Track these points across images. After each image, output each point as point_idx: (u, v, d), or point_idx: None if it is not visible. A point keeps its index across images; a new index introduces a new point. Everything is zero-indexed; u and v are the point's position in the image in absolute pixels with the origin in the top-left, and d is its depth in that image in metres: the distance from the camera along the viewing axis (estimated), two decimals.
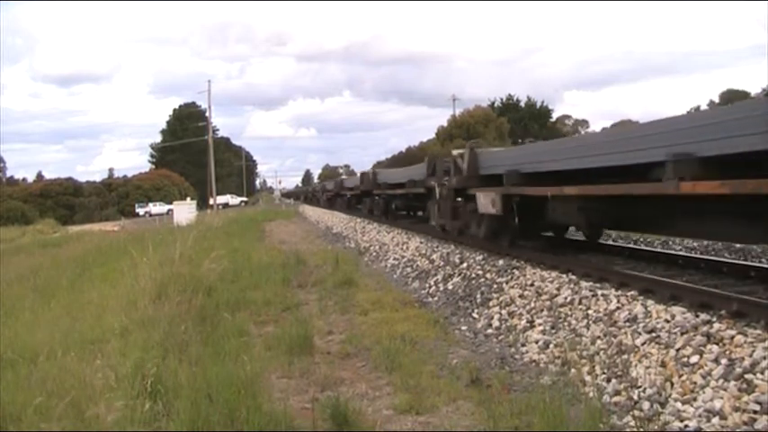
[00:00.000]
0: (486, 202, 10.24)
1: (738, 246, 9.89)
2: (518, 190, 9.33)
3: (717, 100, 60.95)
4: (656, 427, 4.19)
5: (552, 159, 8.61)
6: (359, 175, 28.86)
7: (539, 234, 10.52)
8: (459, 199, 12.00)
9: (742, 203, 5.37)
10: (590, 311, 6.31)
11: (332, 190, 35.60)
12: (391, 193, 19.25)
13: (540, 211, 9.18)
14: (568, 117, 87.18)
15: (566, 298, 6.91)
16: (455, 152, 12.26)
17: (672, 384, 4.50)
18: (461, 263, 10.47)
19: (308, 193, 60.91)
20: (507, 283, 8.41)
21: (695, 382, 4.37)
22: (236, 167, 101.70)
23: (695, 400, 4.22)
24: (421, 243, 13.76)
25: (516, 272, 8.67)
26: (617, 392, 4.78)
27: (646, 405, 4.44)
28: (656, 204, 6.83)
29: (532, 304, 7.28)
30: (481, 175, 10.94)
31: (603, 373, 5.15)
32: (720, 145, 5.23)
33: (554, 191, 8.24)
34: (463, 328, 7.48)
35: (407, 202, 17.98)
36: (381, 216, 20.49)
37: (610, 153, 7.01)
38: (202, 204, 59.97)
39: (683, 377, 4.49)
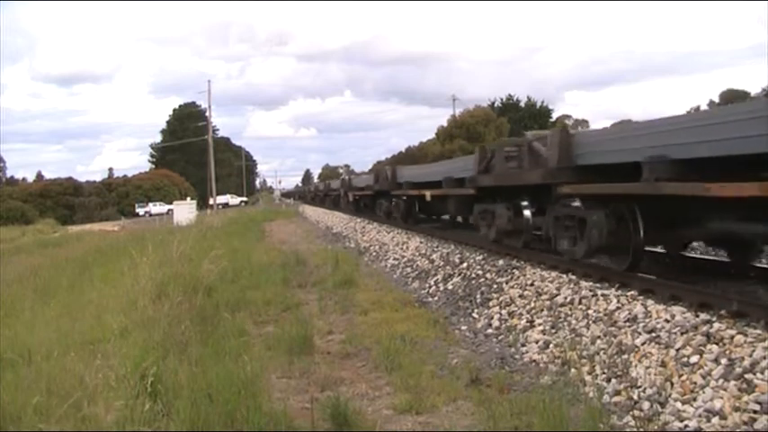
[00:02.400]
0: (351, 197, 26.52)
1: None
2: (353, 192, 26.00)
3: (717, 100, 60.88)
4: (656, 427, 4.19)
5: (359, 182, 26.22)
6: (323, 182, 55.12)
7: (369, 211, 22.82)
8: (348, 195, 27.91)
9: None
10: (590, 311, 6.31)
11: (313, 191, 53.77)
12: (335, 194, 34.60)
13: (365, 200, 23.75)
14: (568, 117, 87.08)
15: (566, 298, 6.91)
16: (346, 177, 36.69)
17: (672, 384, 4.50)
18: (461, 263, 10.47)
19: (306, 192, 63.16)
20: (507, 282, 8.41)
21: (695, 382, 4.37)
22: (236, 167, 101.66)
23: (695, 399, 4.22)
24: (421, 243, 13.76)
25: (516, 272, 8.67)
26: (617, 392, 4.78)
27: (646, 405, 4.45)
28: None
29: (532, 304, 7.28)
30: (350, 186, 27.33)
31: (603, 373, 5.15)
32: None
33: (359, 194, 24.88)
34: (463, 327, 7.48)
35: (337, 199, 32.96)
36: (333, 207, 34.62)
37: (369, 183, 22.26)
38: (202, 204, 59.97)
39: (683, 377, 4.49)
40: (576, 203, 7.90)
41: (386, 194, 18.62)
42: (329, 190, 38.96)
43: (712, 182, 5.31)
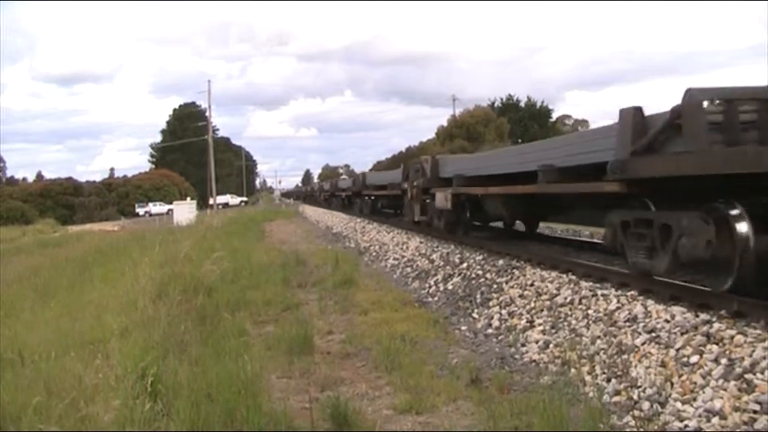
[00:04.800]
0: (323, 197, 42.50)
1: None
2: (324, 193, 43.16)
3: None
4: (656, 427, 4.19)
5: (328, 184, 43.72)
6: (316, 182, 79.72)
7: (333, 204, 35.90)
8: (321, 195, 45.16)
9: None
10: (590, 311, 6.30)
11: (306, 192, 65.52)
12: (319, 194, 46.95)
13: (334, 198, 36.32)
14: (568, 117, 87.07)
15: (566, 298, 6.91)
16: (321, 182, 63.05)
17: (672, 384, 4.50)
18: (461, 263, 10.47)
19: (300, 193, 67.57)
20: (507, 282, 8.41)
21: (695, 382, 4.37)
22: (236, 167, 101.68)
23: (695, 399, 4.22)
24: (421, 243, 13.76)
25: (516, 272, 8.67)
26: (617, 392, 4.78)
27: (646, 405, 4.44)
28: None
29: (532, 304, 7.28)
30: (322, 189, 45.80)
31: (603, 373, 5.15)
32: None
33: (327, 193, 41.67)
34: (463, 327, 7.48)
35: (315, 197, 47.59)
36: (315, 203, 47.07)
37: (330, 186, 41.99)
38: (202, 204, 59.97)
39: (683, 377, 4.49)
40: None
41: (333, 194, 36.18)
42: (313, 191, 56.83)
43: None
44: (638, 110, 6.04)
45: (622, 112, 6.15)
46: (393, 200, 20.01)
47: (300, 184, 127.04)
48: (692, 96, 5.26)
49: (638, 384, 4.72)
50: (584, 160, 7.16)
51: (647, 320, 5.48)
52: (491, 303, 7.99)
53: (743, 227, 5.10)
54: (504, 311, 7.53)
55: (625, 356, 5.14)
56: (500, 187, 10.10)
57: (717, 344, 4.64)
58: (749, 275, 5.20)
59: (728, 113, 5.17)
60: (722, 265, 5.29)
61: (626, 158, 6.01)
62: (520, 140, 56.19)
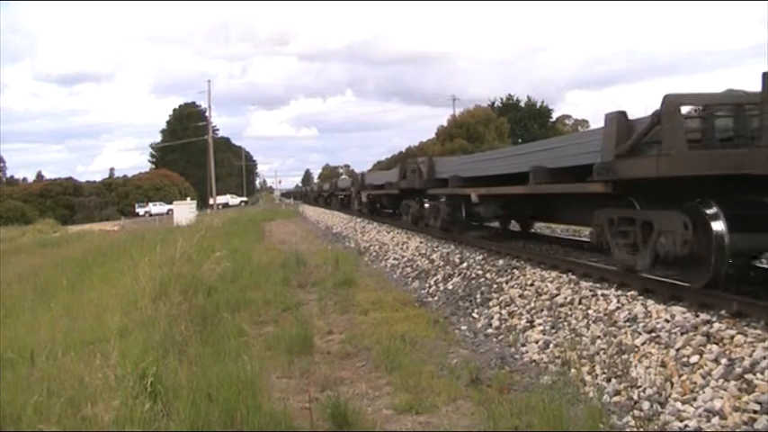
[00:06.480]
0: (312, 196, 52.45)
1: None
2: (314, 193, 52.38)
3: None
4: (656, 427, 4.19)
5: (317, 187, 55.64)
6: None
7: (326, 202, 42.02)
8: (316, 194, 50.95)
9: None
10: (590, 311, 6.30)
11: (305, 192, 68.39)
12: (315, 194, 51.17)
13: (328, 197, 40.63)
14: (568, 117, 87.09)
15: (566, 298, 6.91)
16: (314, 184, 74.36)
17: (672, 384, 4.50)
18: (461, 263, 10.47)
19: (305, 193, 69.34)
20: (507, 282, 8.41)
21: (695, 382, 4.37)
22: (236, 167, 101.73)
23: (695, 399, 4.22)
24: (421, 243, 13.77)
25: (516, 272, 8.67)
26: (617, 392, 4.78)
27: (646, 405, 4.44)
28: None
29: (532, 304, 7.28)
30: (313, 189, 56.92)
31: (603, 373, 5.15)
32: None
33: (324, 192, 45.17)
34: (463, 327, 7.48)
35: (308, 196, 56.68)
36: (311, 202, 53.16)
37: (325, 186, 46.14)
38: (202, 204, 60.00)
39: (683, 377, 4.49)
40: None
41: (319, 194, 44.63)
42: (307, 192, 63.77)
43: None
44: (430, 158, 14.16)
45: (422, 161, 15.10)
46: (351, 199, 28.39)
47: (300, 185, 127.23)
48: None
49: (638, 384, 4.72)
50: (392, 179, 17.54)
51: (647, 320, 5.48)
52: (491, 303, 7.99)
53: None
54: (504, 311, 7.53)
55: (625, 356, 5.14)
56: (377, 190, 21.09)
57: (717, 344, 4.64)
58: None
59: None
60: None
61: (426, 181, 13.96)
62: (520, 140, 56.17)
